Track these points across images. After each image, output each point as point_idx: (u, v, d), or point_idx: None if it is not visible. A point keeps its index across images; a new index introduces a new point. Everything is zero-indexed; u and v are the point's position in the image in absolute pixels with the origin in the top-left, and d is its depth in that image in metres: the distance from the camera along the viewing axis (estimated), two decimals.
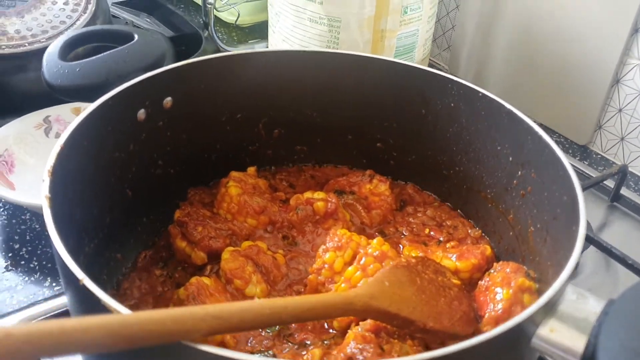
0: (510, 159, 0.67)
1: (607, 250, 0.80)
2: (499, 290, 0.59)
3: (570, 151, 1.10)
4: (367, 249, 0.62)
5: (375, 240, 0.63)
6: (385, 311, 0.52)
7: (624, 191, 0.99)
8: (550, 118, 1.14)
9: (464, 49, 1.25)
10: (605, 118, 1.07)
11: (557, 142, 1.11)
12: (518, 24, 1.13)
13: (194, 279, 0.61)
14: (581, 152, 1.10)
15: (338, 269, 0.63)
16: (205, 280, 0.62)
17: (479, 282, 0.63)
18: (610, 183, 0.99)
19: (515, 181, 0.67)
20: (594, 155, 1.09)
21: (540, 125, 1.12)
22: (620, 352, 0.39)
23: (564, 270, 0.46)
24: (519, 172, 0.66)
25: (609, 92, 1.05)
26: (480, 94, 0.68)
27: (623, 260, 0.79)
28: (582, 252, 0.84)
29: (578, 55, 1.05)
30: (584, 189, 0.93)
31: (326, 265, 0.63)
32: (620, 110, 1.05)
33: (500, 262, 0.63)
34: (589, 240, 0.84)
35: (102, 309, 0.42)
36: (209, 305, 0.46)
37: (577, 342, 0.43)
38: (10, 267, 0.80)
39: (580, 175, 1.02)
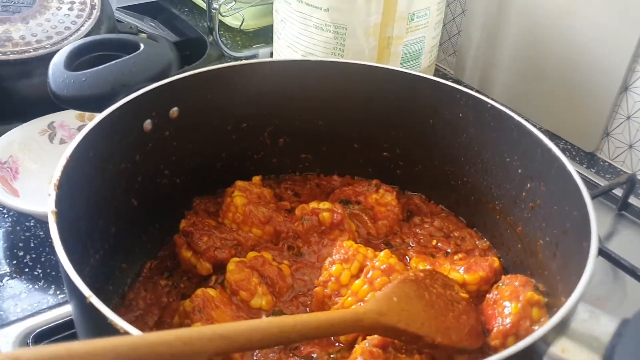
0: (520, 171, 0.67)
1: (615, 262, 0.80)
2: (507, 304, 0.59)
3: (577, 158, 1.09)
4: (374, 262, 0.62)
5: (382, 253, 0.63)
6: (394, 327, 0.52)
7: (632, 200, 0.98)
8: (557, 124, 1.14)
9: (469, 54, 1.24)
10: (613, 125, 1.07)
11: (563, 149, 1.11)
12: (524, 28, 1.12)
13: (199, 291, 0.61)
14: (588, 159, 1.09)
15: (345, 282, 0.62)
16: (211, 291, 0.62)
17: (487, 295, 0.63)
18: (618, 192, 0.98)
19: (524, 193, 0.67)
20: (602, 163, 1.09)
21: (547, 131, 1.13)
22: None
23: (576, 289, 0.45)
24: (528, 185, 0.66)
25: (617, 99, 1.04)
26: (489, 105, 0.68)
27: (632, 272, 0.79)
28: None
29: (586, 61, 1.05)
30: (592, 197, 0.93)
31: (332, 278, 0.63)
32: (628, 118, 1.04)
33: (509, 275, 0.63)
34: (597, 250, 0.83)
35: (109, 326, 0.41)
36: (216, 325, 0.45)
37: None
38: (14, 275, 0.80)
39: (588, 183, 1.02)
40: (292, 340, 0.48)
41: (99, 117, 0.60)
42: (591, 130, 1.09)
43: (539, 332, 0.42)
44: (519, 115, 0.67)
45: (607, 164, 1.09)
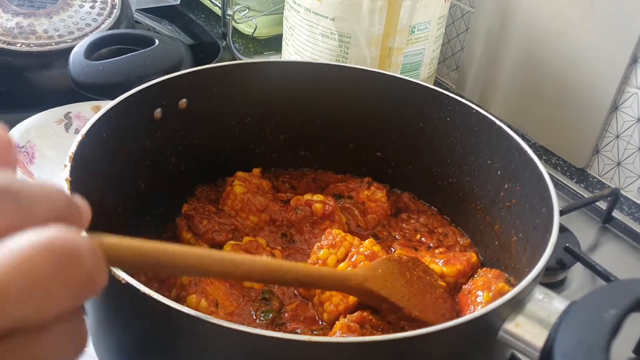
0: (499, 172, 0.72)
1: (591, 267, 0.84)
2: (479, 293, 0.63)
3: (567, 174, 1.14)
4: (359, 247, 0.67)
5: (367, 241, 0.68)
6: (377, 294, 0.57)
7: (616, 214, 1.02)
8: (550, 140, 1.18)
9: (471, 70, 1.29)
10: (603, 143, 1.11)
11: (555, 165, 1.16)
12: (523, 48, 1.18)
13: None
14: (578, 175, 1.14)
15: (331, 265, 0.67)
16: None
17: (463, 286, 0.67)
18: (603, 205, 1.03)
19: (502, 193, 0.71)
20: (591, 179, 1.13)
21: (540, 147, 1.18)
22: (575, 346, 0.43)
23: (532, 271, 0.50)
24: (506, 185, 0.70)
25: (607, 118, 1.09)
26: (474, 111, 0.73)
27: (606, 278, 0.83)
28: (570, 267, 0.89)
29: (579, 81, 1.10)
30: (575, 208, 0.97)
31: (319, 261, 0.67)
32: (617, 137, 1.09)
33: (484, 268, 0.68)
34: (576, 256, 0.88)
35: (111, 278, 0.46)
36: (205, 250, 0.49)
37: (539, 337, 0.47)
38: None
39: (576, 197, 1.06)
40: (284, 281, 0.50)
41: (114, 102, 0.65)
42: (582, 147, 1.13)
43: (492, 305, 0.47)
44: (515, 130, 0.71)
45: (596, 180, 1.13)
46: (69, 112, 1.02)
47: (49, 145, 0.98)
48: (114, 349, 0.56)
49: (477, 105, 0.73)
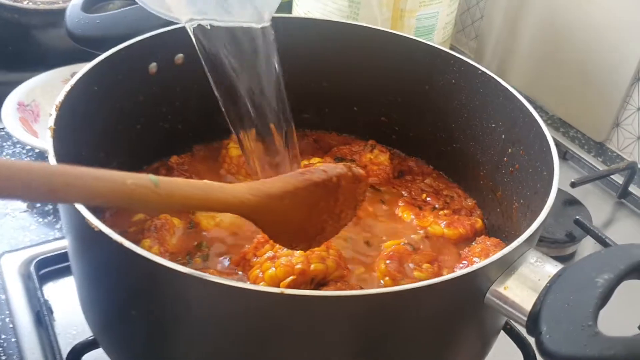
0: (503, 136, 0.69)
1: (601, 240, 0.81)
2: (476, 259, 0.61)
3: (586, 147, 1.10)
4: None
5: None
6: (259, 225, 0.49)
7: (632, 188, 0.99)
8: (569, 113, 1.15)
9: (490, 39, 1.26)
10: (623, 116, 1.07)
11: (573, 138, 1.12)
12: (544, 16, 1.14)
13: (163, 216, 0.65)
14: (597, 148, 1.10)
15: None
16: (175, 220, 0.65)
17: (460, 251, 0.65)
18: (620, 179, 0.99)
19: (505, 158, 0.69)
20: (610, 153, 1.09)
21: (559, 119, 1.14)
22: (563, 308, 0.41)
23: (524, 232, 0.47)
24: (510, 150, 0.68)
25: (629, 90, 1.05)
26: (480, 71, 0.70)
27: None
28: (580, 241, 0.86)
29: (600, 52, 1.06)
30: (589, 181, 0.94)
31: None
32: (638, 109, 1.05)
33: (482, 237, 0.65)
34: (586, 229, 0.85)
35: (87, 227, 0.45)
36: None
37: (527, 300, 0.45)
38: (26, 209, 0.85)
39: (592, 170, 1.03)
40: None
41: (105, 54, 0.64)
42: (602, 121, 1.09)
43: (480, 264, 0.44)
44: (534, 102, 0.68)
45: (615, 154, 1.09)
46: (75, 72, 1.00)
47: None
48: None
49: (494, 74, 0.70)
